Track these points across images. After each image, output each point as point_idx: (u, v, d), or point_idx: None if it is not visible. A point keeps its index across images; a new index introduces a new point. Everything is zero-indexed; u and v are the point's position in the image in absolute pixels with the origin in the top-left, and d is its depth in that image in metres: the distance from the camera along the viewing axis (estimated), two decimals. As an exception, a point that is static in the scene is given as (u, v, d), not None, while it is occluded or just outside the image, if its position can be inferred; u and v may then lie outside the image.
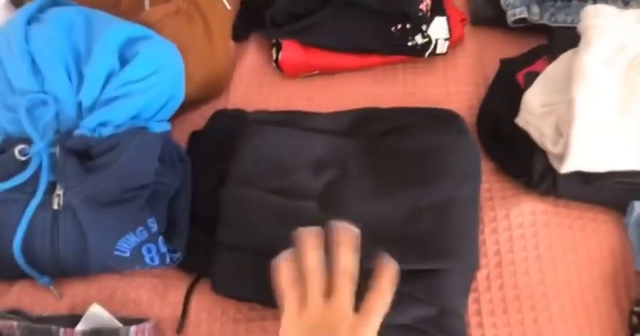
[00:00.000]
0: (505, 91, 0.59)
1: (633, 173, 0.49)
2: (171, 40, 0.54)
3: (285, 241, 0.41)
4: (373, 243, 0.45)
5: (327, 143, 0.55)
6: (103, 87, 0.49)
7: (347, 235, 0.37)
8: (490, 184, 0.56)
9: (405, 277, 0.47)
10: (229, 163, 0.54)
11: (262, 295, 0.47)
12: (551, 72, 0.53)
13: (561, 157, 0.49)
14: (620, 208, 0.52)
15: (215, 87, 0.64)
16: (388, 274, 0.37)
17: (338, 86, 0.65)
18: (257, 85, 0.66)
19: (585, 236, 0.52)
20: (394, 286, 0.38)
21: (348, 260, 0.36)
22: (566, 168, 0.48)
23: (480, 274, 0.51)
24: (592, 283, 0.50)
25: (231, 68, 0.67)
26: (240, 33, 0.69)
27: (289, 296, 0.37)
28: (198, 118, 0.63)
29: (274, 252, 0.41)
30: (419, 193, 0.50)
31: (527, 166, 0.53)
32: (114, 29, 0.50)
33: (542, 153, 0.52)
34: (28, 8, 0.51)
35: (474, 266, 0.50)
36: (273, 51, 0.66)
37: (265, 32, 0.67)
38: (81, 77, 0.50)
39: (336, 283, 0.36)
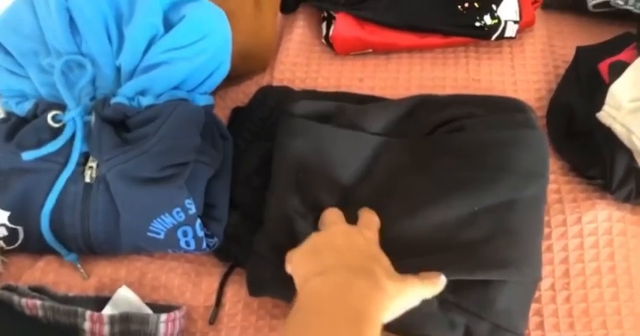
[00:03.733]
0: (582, 82, 0.53)
1: None
2: (218, 5, 0.50)
3: None
4: (419, 254, 0.43)
5: (377, 146, 0.49)
6: (145, 52, 0.45)
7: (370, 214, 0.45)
8: (559, 184, 0.51)
9: (455, 288, 0.43)
10: (273, 163, 0.48)
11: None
12: (643, 63, 0.47)
13: (653, 160, 0.43)
14: None
15: (259, 60, 0.60)
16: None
17: (393, 67, 0.60)
18: (304, 62, 0.61)
19: (666, 250, 0.47)
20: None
21: (372, 216, 0.44)
22: (658, 172, 0.43)
23: (544, 284, 0.46)
24: (672, 302, 0.45)
25: (278, 41, 0.62)
26: (289, 4, 0.64)
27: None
28: (240, 94, 0.60)
29: None
30: (474, 196, 0.44)
31: (606, 167, 0.48)
32: (159, -11, 0.46)
33: (625, 154, 0.47)
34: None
35: (535, 278, 0.44)
36: (324, 25, 0.62)
37: (318, 4, 0.62)
38: (121, 39, 0.46)
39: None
